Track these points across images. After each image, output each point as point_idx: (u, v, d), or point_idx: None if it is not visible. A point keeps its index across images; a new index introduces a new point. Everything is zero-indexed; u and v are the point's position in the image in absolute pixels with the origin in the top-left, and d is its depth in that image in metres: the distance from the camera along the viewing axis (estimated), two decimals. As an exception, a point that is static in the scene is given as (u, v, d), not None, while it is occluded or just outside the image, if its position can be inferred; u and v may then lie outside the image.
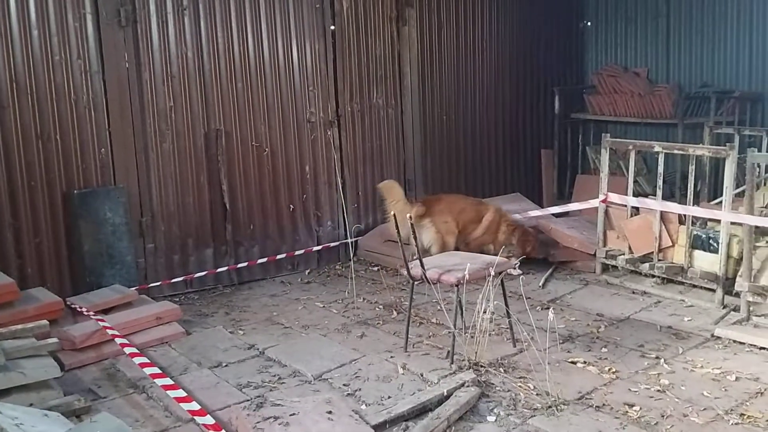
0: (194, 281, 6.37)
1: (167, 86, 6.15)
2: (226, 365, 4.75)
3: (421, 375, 4.44)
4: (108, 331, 4.83)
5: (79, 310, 5.26)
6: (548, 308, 5.46)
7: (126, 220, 5.93)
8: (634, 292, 5.99)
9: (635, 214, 6.23)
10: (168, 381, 4.16)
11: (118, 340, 4.71)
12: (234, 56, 6.47)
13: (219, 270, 6.48)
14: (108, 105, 5.90)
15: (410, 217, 4.93)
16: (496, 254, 6.23)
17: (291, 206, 6.96)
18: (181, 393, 4.00)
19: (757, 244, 5.28)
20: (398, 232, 4.71)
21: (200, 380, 4.50)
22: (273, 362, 4.79)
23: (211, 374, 4.61)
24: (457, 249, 6.26)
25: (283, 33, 6.74)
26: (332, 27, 7.08)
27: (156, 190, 6.20)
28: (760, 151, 6.22)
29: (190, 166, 6.35)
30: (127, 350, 4.56)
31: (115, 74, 5.90)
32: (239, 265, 6.55)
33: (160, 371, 4.32)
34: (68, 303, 5.38)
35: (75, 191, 5.75)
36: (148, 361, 4.44)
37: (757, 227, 5.22)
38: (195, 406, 3.86)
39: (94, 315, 5.10)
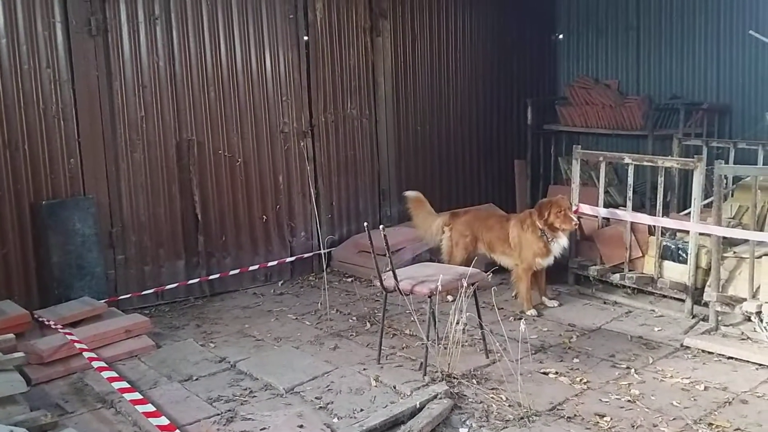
0: (165, 293, 6.29)
1: (138, 96, 6.10)
2: (196, 379, 4.70)
3: (394, 387, 4.43)
4: (76, 344, 4.75)
5: (46, 323, 5.17)
6: (520, 319, 5.48)
7: (96, 230, 5.86)
8: (605, 302, 6.03)
9: (606, 225, 6.29)
10: (137, 395, 4.09)
11: (86, 354, 4.62)
12: (206, 66, 6.45)
13: (190, 281, 6.41)
14: (78, 114, 5.84)
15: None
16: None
17: (264, 217, 6.93)
18: (150, 407, 3.93)
19: (725, 255, 5.35)
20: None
21: (170, 394, 4.45)
22: (244, 375, 4.74)
23: (181, 388, 4.55)
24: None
25: (256, 43, 6.73)
26: (306, 37, 7.08)
27: (126, 201, 6.13)
28: (727, 162, 6.31)
29: (162, 176, 6.30)
30: (96, 364, 4.48)
31: (85, 83, 5.84)
32: (211, 277, 6.50)
33: (128, 385, 4.24)
34: (36, 316, 5.29)
35: (43, 202, 5.67)
36: (117, 375, 4.36)
37: (724, 238, 5.29)
38: (164, 420, 3.80)
39: (61, 328, 5.02)
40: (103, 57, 5.90)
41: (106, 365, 4.49)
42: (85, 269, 5.80)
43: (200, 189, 6.47)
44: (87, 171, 5.91)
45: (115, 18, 5.92)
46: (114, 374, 4.36)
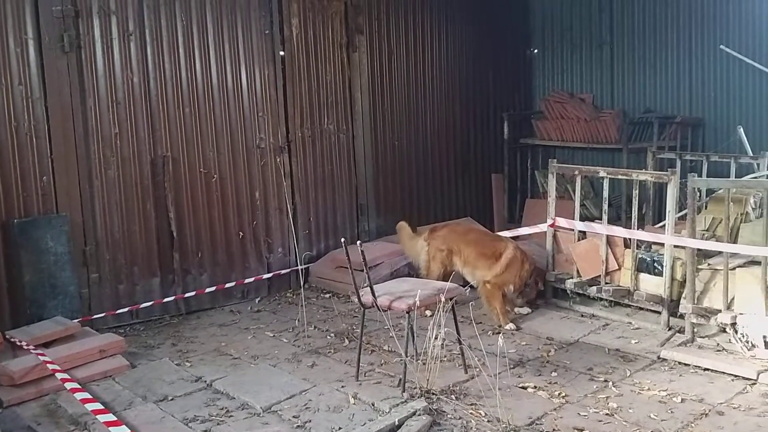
0: (140, 311, 6.20)
1: (112, 112, 6.04)
2: (172, 399, 4.63)
3: (373, 404, 4.39)
4: (48, 365, 4.67)
5: (18, 343, 5.07)
6: (499, 333, 5.48)
7: (69, 249, 5.77)
8: (583, 315, 6.06)
9: (582, 238, 6.33)
10: (111, 417, 4.02)
11: (59, 375, 4.55)
12: (181, 82, 6.40)
13: (166, 299, 6.33)
14: (50, 132, 5.76)
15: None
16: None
17: (240, 233, 6.88)
18: (125, 429, 3.87)
19: (700, 267, 5.40)
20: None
21: (145, 415, 4.38)
22: (221, 395, 4.68)
23: (157, 408, 4.48)
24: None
25: (231, 58, 6.70)
26: (282, 53, 7.07)
27: (100, 218, 6.05)
28: (700, 175, 6.39)
29: (136, 193, 6.23)
30: (69, 385, 4.41)
31: (58, 100, 5.77)
32: (187, 295, 6.41)
33: (102, 407, 4.17)
34: (7, 336, 5.18)
35: (15, 220, 5.57)
36: (90, 397, 4.29)
37: (699, 250, 5.35)
38: (139, 442, 3.75)
39: (34, 349, 4.93)
40: (77, 74, 5.84)
41: (79, 386, 4.43)
42: (58, 288, 5.71)
43: (175, 206, 6.40)
44: (60, 189, 5.83)
45: (89, 34, 5.87)
46: (87, 395, 4.29)
